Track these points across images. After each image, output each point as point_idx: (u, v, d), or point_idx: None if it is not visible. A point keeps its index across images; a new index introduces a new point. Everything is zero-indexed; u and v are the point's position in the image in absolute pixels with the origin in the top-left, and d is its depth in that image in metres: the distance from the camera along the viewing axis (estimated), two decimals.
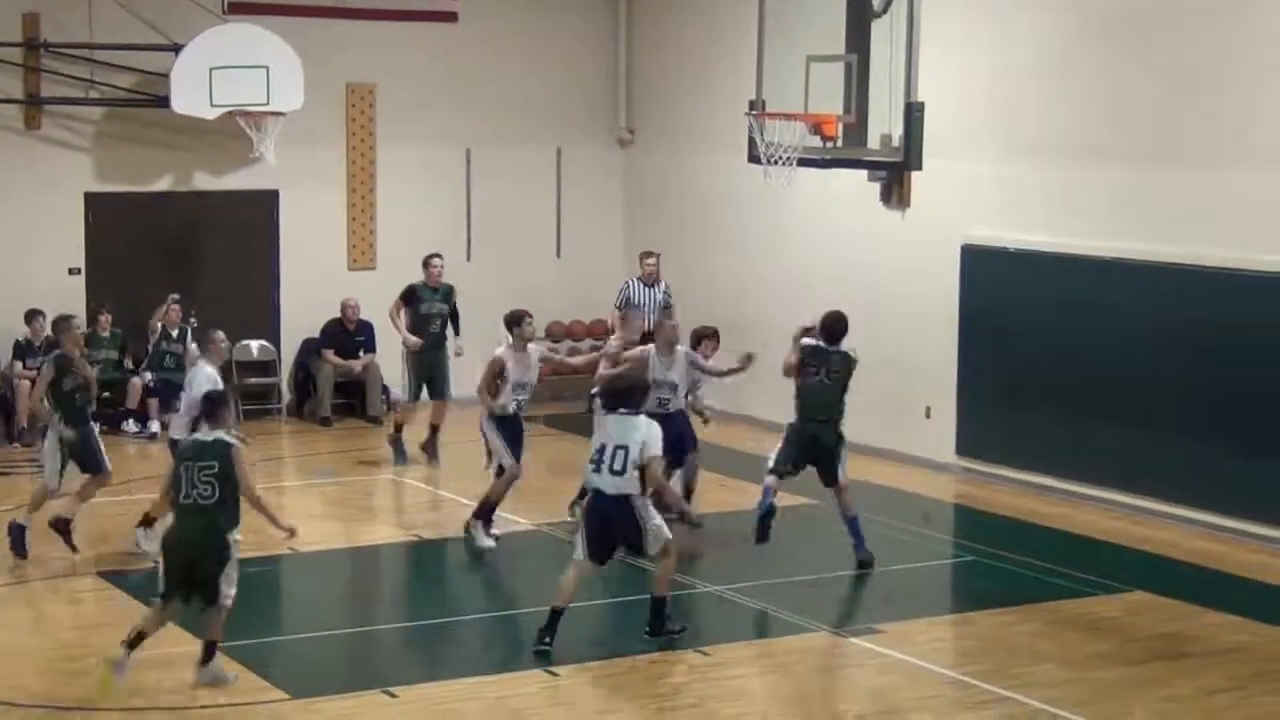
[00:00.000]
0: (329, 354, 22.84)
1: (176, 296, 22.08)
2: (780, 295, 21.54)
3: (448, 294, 20.74)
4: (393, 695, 12.32)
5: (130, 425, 21.93)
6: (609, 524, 13.27)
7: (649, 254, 21.90)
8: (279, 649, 13.67)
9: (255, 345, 23.20)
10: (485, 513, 16.70)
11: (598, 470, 13.23)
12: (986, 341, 19.39)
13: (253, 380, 23.04)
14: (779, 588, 15.05)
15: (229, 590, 12.20)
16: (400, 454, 20.35)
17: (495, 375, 16.66)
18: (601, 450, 13.24)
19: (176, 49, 21.41)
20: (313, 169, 23.11)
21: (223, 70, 21.29)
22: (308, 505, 18.91)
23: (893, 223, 20.64)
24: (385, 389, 23.16)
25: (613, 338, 18.83)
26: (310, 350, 23.23)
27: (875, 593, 15.38)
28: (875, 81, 17.84)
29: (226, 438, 12.35)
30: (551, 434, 21.88)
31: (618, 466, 13.16)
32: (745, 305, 22.28)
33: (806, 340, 15.99)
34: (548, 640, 13.12)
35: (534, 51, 24.53)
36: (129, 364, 22.24)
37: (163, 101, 21.51)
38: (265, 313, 23.27)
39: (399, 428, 20.40)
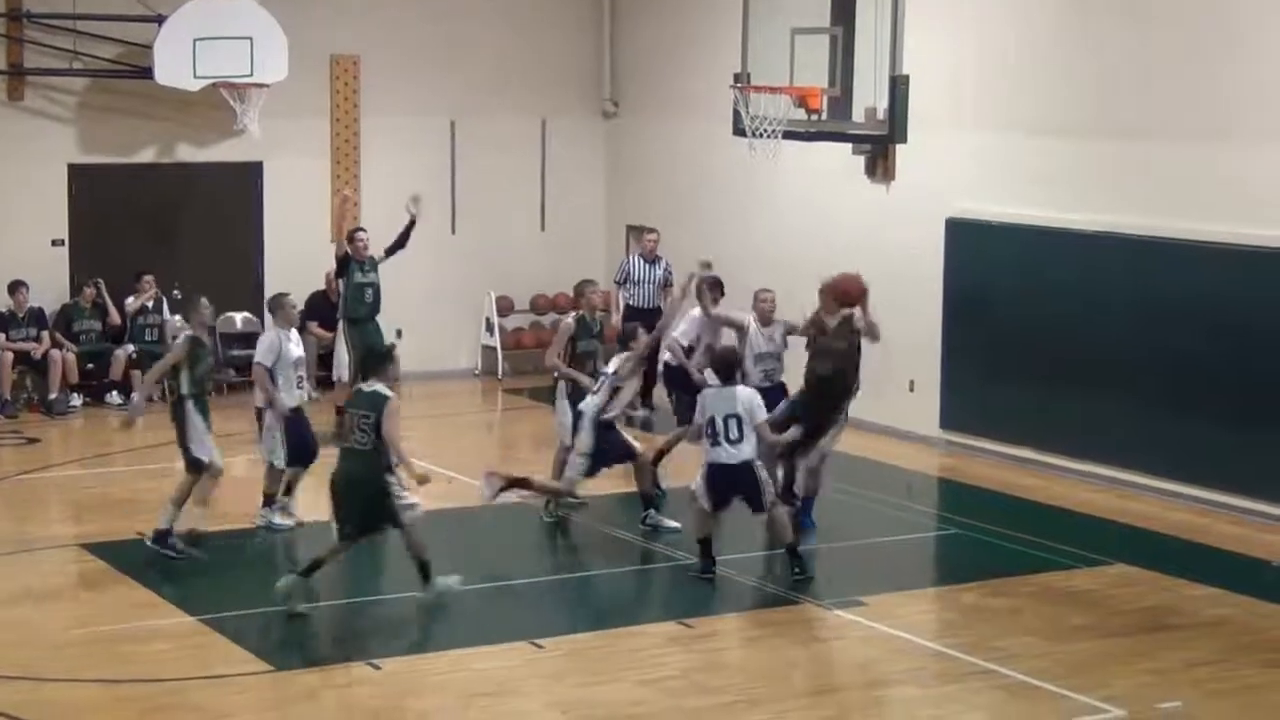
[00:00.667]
0: (314, 326, 22.77)
1: (149, 276, 22.08)
2: (764, 268, 21.49)
3: (375, 266, 20.54)
4: (376, 667, 12.33)
5: (114, 397, 21.89)
6: (733, 489, 14.39)
7: (649, 230, 21.91)
8: (263, 621, 13.67)
9: (239, 317, 23.16)
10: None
11: (716, 443, 14.28)
12: (970, 315, 19.41)
13: (237, 352, 22.98)
14: (762, 560, 15.09)
15: (408, 513, 13.59)
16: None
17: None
18: (712, 423, 14.30)
19: (160, 20, 21.37)
20: (297, 140, 23.07)
21: (206, 41, 21.25)
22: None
23: (877, 196, 20.65)
24: None
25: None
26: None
27: (859, 565, 15.39)
28: (860, 54, 17.82)
29: (384, 390, 13.55)
30: (538, 406, 21.86)
31: (734, 435, 14.23)
32: (727, 279, 22.23)
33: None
34: (713, 570, 14.49)
35: (519, 23, 24.49)
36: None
37: (146, 73, 21.47)
38: (249, 285, 23.24)
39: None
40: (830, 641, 13.30)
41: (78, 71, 22.07)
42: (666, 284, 21.57)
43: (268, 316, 18.08)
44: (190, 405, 15.27)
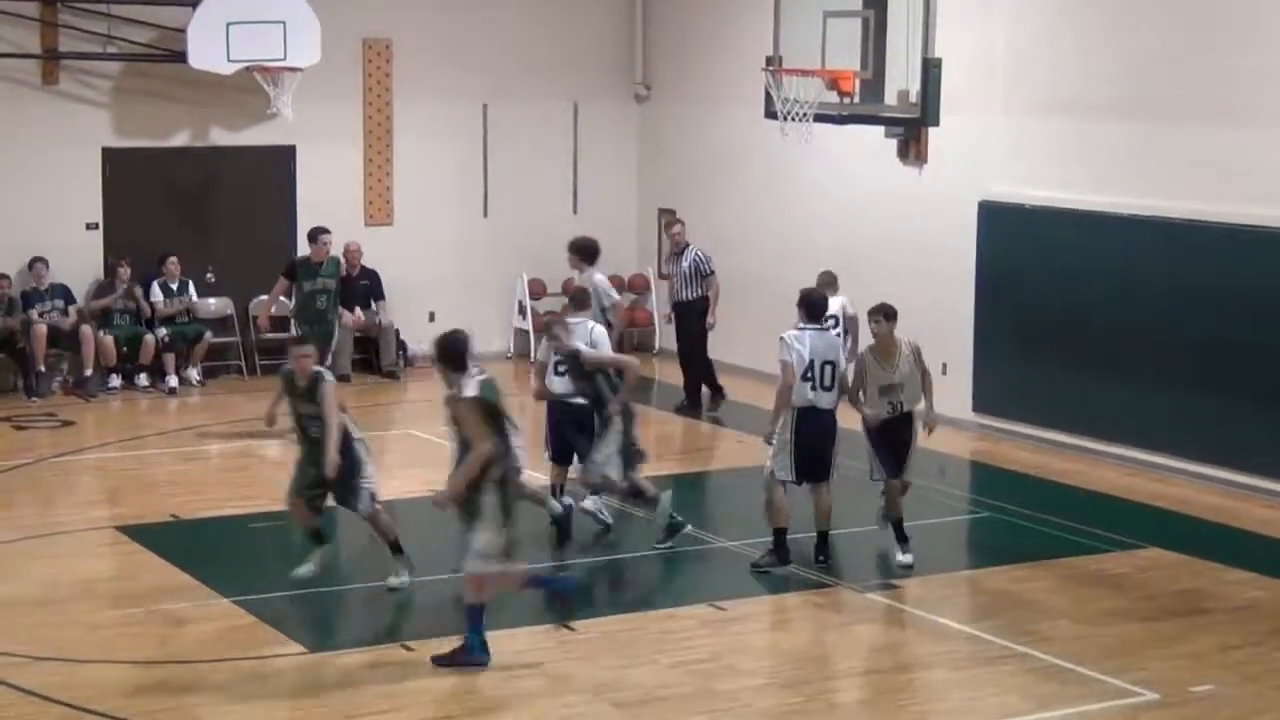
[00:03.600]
0: (342, 312, 22.76)
1: (174, 258, 22.11)
2: (795, 251, 21.51)
3: (334, 269, 20.33)
4: (409, 649, 12.37)
5: (143, 379, 21.92)
6: (826, 441, 14.19)
7: (675, 220, 21.63)
8: (297, 603, 13.71)
9: None
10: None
11: (815, 388, 14.03)
12: (1003, 298, 19.38)
13: (270, 335, 23.02)
14: (794, 543, 15.09)
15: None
16: None
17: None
18: (812, 366, 13.98)
19: (194, 4, 21.40)
20: (329, 124, 23.09)
21: (240, 26, 21.29)
22: None
23: (910, 179, 20.62)
24: (402, 344, 23.14)
25: None
26: None
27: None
28: (893, 37, 17.79)
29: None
30: None
31: (828, 381, 14.04)
32: (760, 261, 22.28)
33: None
34: (789, 558, 14.23)
35: (551, 6, 24.49)
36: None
37: (180, 57, 21.52)
38: (282, 268, 23.21)
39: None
40: (862, 624, 13.29)
41: (112, 56, 22.12)
42: (704, 275, 20.84)
43: None
44: None
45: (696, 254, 21.06)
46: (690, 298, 20.94)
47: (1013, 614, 13.33)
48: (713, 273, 20.90)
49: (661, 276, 21.87)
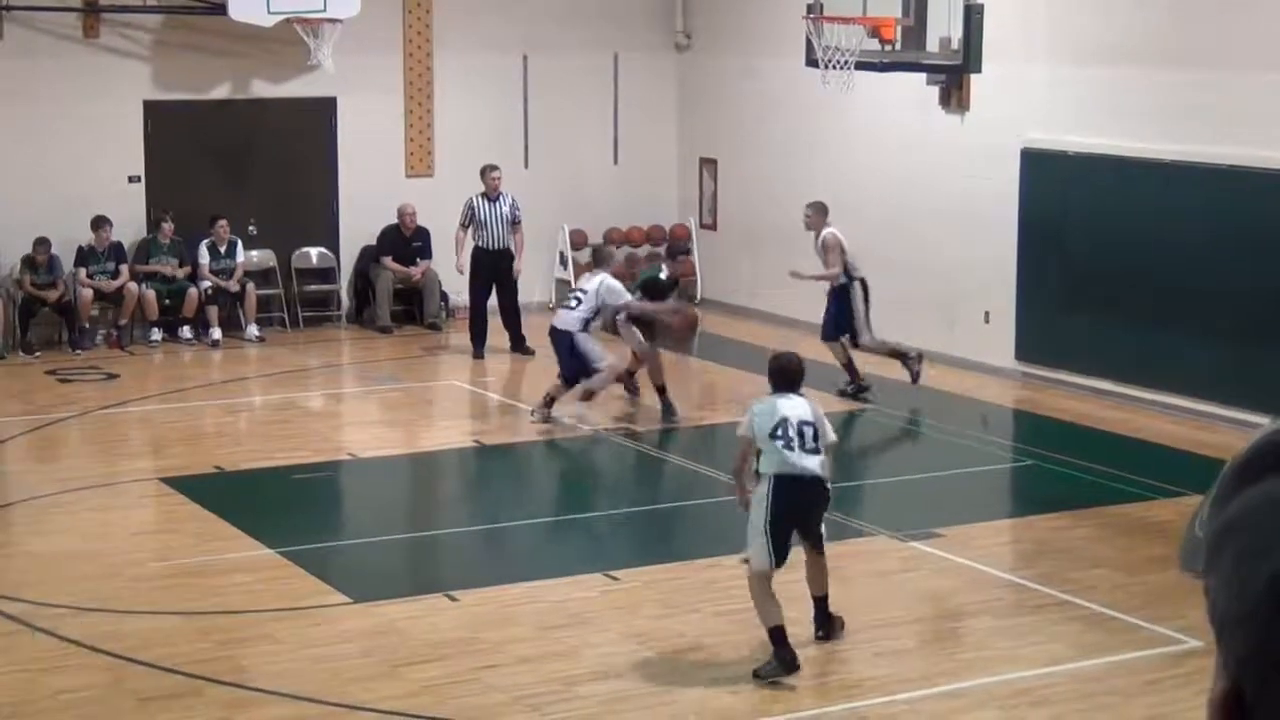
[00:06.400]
0: (388, 261, 22.84)
1: (224, 221, 22.11)
2: (837, 200, 21.43)
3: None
4: (453, 599, 12.41)
5: (185, 332, 21.97)
6: (809, 512, 11.52)
7: (493, 167, 21.40)
8: (340, 553, 13.79)
9: (314, 252, 23.25)
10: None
11: (790, 448, 11.25)
12: (1046, 245, 19.31)
13: (312, 287, 23.12)
14: (837, 492, 15.07)
15: None
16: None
17: None
18: (784, 424, 11.26)
19: None
20: (370, 76, 23.09)
21: None
22: (367, 411, 19.07)
23: (952, 126, 20.54)
24: (444, 295, 23.18)
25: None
26: (369, 257, 23.25)
27: (935, 497, 15.39)
28: None
29: None
30: (611, 339, 21.87)
31: (810, 444, 11.32)
32: (801, 211, 22.22)
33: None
34: (797, 664, 11.15)
35: None
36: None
37: (220, 9, 21.51)
38: (323, 220, 23.33)
39: None
40: (906, 573, 13.30)
41: (153, 8, 22.14)
42: (514, 222, 21.11)
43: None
44: None
45: (514, 203, 21.24)
46: (500, 248, 21.11)
47: (1056, 562, 13.33)
48: (519, 223, 21.27)
49: (461, 226, 21.42)
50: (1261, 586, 1.79)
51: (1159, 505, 14.83)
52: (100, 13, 22.00)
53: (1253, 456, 1.88)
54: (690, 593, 12.62)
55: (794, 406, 11.40)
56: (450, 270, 22.14)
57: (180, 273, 22.00)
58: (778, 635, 11.11)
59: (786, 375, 11.69)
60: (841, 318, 18.30)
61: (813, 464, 11.29)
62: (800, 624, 11.45)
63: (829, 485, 11.60)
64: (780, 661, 11.06)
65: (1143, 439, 17.23)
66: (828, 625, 11.75)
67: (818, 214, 18.45)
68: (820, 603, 11.76)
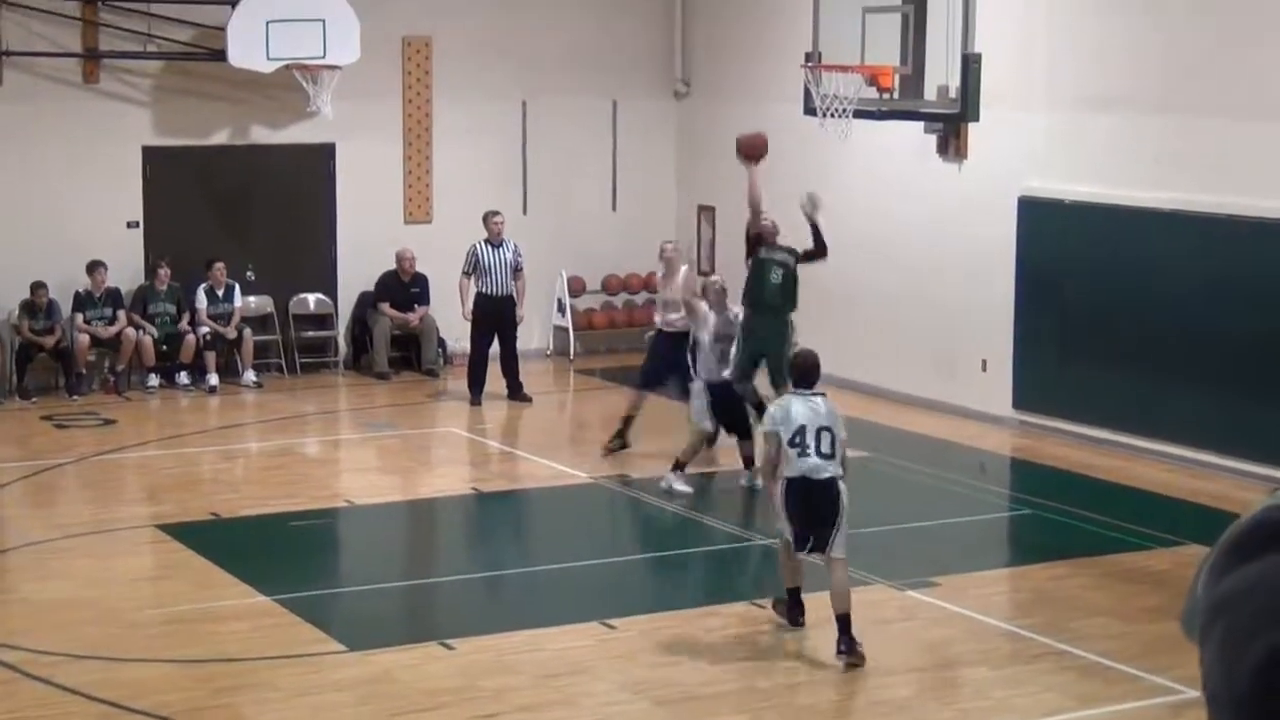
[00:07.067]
0: (385, 307, 22.85)
1: (220, 264, 22.13)
2: (835, 249, 21.46)
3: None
4: (450, 647, 12.39)
5: (183, 378, 21.95)
6: (822, 513, 12.28)
7: (495, 213, 21.48)
8: (337, 601, 13.76)
9: (312, 299, 23.25)
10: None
11: (805, 455, 12.16)
12: (1043, 294, 19.32)
13: (310, 333, 23.12)
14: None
15: None
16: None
17: None
18: (802, 432, 12.15)
19: (234, 2, 21.44)
20: (369, 122, 23.13)
21: (279, 24, 21.33)
22: (364, 458, 19.03)
23: (949, 175, 20.57)
24: (441, 342, 23.18)
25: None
26: (367, 304, 23.25)
27: (932, 545, 15.37)
28: (932, 33, 17.77)
29: None
30: (610, 387, 21.90)
31: (826, 449, 12.20)
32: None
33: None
34: (800, 620, 12.75)
35: (590, 4, 24.48)
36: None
37: (219, 55, 21.56)
38: (322, 266, 23.34)
39: None
40: (903, 622, 13.28)
41: (152, 54, 22.19)
42: (516, 269, 21.08)
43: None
44: None
45: (516, 248, 21.22)
46: (502, 294, 21.07)
47: (1053, 611, 13.30)
48: (522, 269, 21.24)
49: (464, 273, 21.34)
50: (1250, 670, 1.79)
51: (1156, 555, 14.82)
52: (100, 58, 22.04)
53: (1251, 529, 1.88)
54: (688, 642, 12.59)
55: (813, 410, 12.26)
56: (448, 316, 22.14)
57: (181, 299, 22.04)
58: (793, 594, 12.71)
59: (805, 372, 12.68)
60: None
61: (829, 469, 12.18)
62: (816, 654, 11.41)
63: (842, 488, 12.29)
64: (789, 616, 12.76)
65: (1140, 488, 17.21)
66: (850, 644, 12.03)
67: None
68: (842, 620, 12.08)
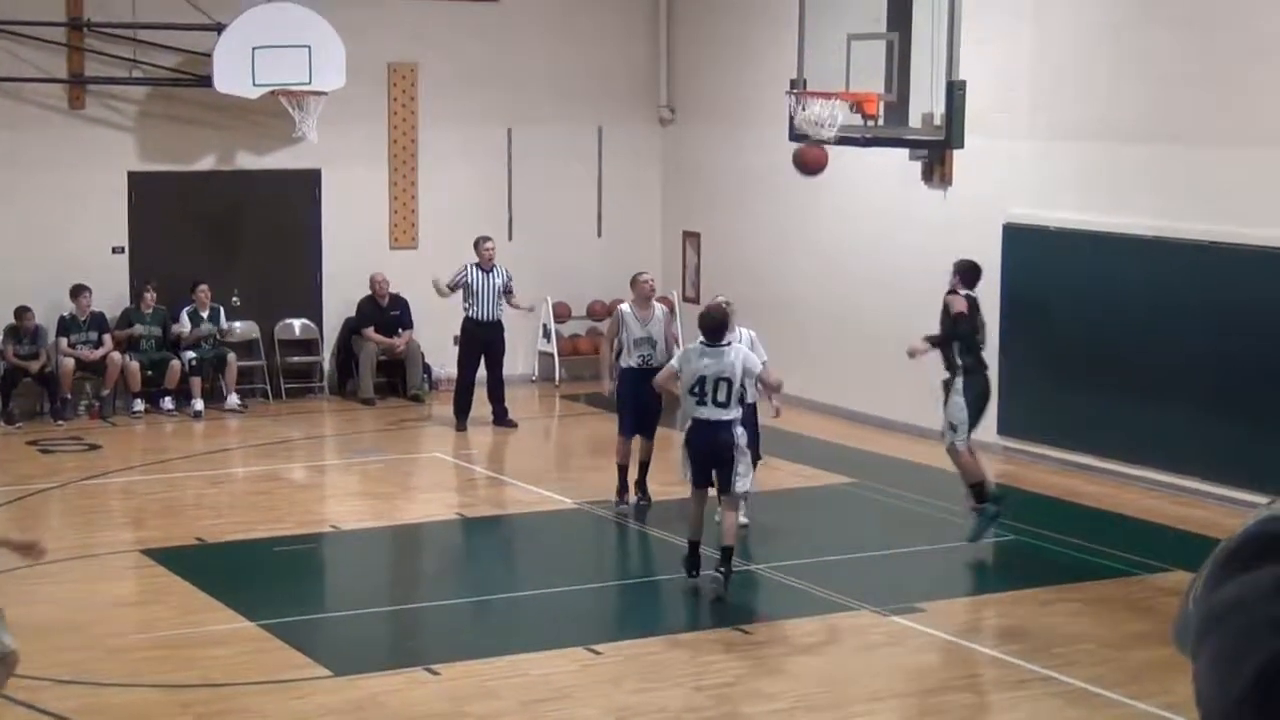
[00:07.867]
0: (369, 332, 22.85)
1: (204, 286, 22.12)
2: (819, 275, 21.54)
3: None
4: (434, 673, 12.37)
5: (167, 403, 21.93)
6: (718, 451, 14.11)
7: (486, 238, 21.45)
8: (322, 626, 13.74)
9: (297, 324, 23.26)
10: None
11: (703, 404, 14.04)
12: (1028, 321, 19.35)
13: (295, 359, 23.12)
14: (819, 566, 15.09)
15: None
16: None
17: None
18: (702, 382, 14.02)
19: (219, 28, 21.47)
20: (355, 148, 23.15)
21: (265, 50, 21.36)
22: (349, 483, 19.04)
23: (934, 201, 20.61)
24: (427, 367, 23.19)
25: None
26: (352, 329, 23.25)
27: (917, 571, 15.37)
28: (917, 59, 17.78)
29: None
30: (595, 413, 21.89)
31: (722, 397, 14.02)
32: (784, 285, 22.28)
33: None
34: (694, 572, 14.32)
35: (575, 30, 24.53)
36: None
37: (205, 81, 21.58)
38: (307, 292, 23.35)
39: None
40: (888, 647, 13.27)
41: (138, 80, 22.21)
42: (507, 291, 21.13)
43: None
44: None
45: (506, 273, 21.25)
46: (490, 319, 21.09)
47: (1039, 637, 13.31)
48: (512, 293, 21.29)
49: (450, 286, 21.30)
50: (1245, 684, 1.79)
51: (1142, 581, 14.83)
52: (85, 84, 22.06)
53: (1245, 541, 1.89)
54: (672, 667, 12.59)
55: (716, 362, 14.01)
56: (432, 341, 22.13)
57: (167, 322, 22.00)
58: (691, 547, 14.30)
59: (714, 328, 14.25)
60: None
61: (721, 416, 13.99)
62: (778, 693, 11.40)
63: (739, 431, 14.06)
64: (686, 563, 14.30)
65: (1126, 514, 17.23)
66: (728, 571, 14.06)
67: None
68: (725, 550, 14.11)
